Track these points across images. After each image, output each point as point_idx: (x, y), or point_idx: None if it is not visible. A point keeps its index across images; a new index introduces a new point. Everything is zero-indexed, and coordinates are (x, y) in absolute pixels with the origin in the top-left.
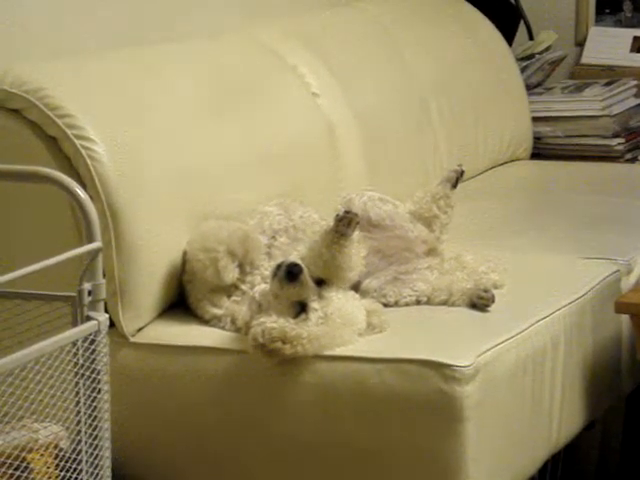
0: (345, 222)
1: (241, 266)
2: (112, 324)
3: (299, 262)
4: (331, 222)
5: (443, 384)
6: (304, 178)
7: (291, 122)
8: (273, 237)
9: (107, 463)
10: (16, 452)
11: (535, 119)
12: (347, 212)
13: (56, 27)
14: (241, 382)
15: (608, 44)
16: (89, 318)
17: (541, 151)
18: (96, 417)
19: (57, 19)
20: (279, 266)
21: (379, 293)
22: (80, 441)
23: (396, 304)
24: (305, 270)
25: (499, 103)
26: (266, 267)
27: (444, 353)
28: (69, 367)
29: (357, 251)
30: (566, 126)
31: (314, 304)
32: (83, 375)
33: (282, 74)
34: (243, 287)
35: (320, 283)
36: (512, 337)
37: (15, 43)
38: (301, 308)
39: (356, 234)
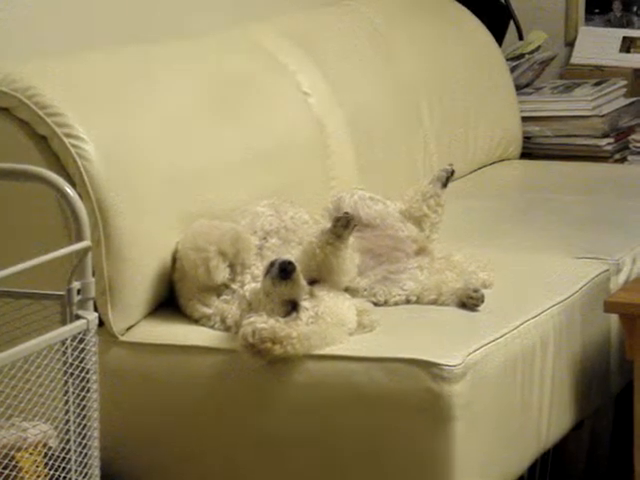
0: (342, 223)
1: (232, 266)
2: (101, 323)
3: (292, 260)
4: (328, 224)
5: (432, 383)
6: (295, 177)
7: (282, 121)
8: (264, 238)
9: (96, 462)
10: (5, 451)
11: (525, 119)
12: (346, 213)
13: (44, 25)
14: (230, 381)
15: (598, 44)
16: (78, 317)
17: (531, 151)
18: (85, 416)
19: (46, 17)
20: (272, 264)
21: (369, 292)
22: (69, 440)
23: (386, 303)
24: (298, 268)
25: (489, 103)
26: (257, 267)
27: (433, 352)
28: (58, 366)
29: (351, 256)
30: (556, 126)
31: (305, 303)
32: (72, 374)
33: (273, 73)
34: (233, 286)
35: (312, 282)
36: (501, 336)
37: (2, 42)
38: (292, 307)
39: (351, 239)
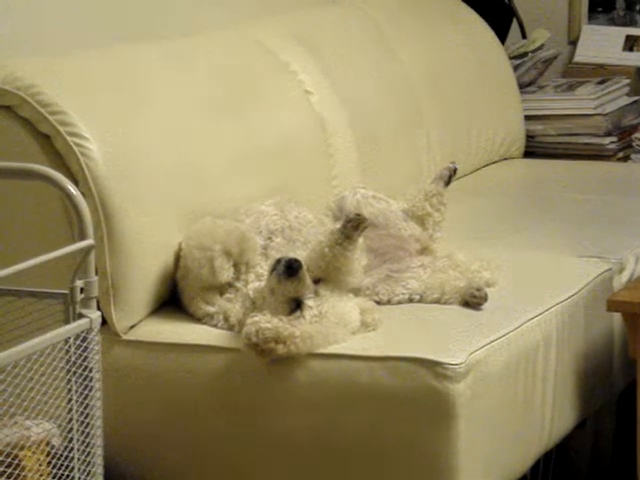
0: (353, 224)
1: (236, 265)
2: (104, 321)
3: (299, 258)
4: (337, 224)
5: (435, 382)
6: (297, 176)
7: (284, 120)
8: (269, 237)
9: (99, 460)
10: (8, 449)
11: (528, 117)
12: (357, 214)
13: (47, 23)
14: (233, 380)
15: (601, 43)
16: (81, 315)
17: (534, 149)
18: (88, 414)
19: (49, 15)
20: (278, 261)
21: (372, 291)
22: (72, 438)
23: (389, 302)
24: (304, 267)
25: (492, 101)
26: (262, 266)
27: (436, 351)
28: (61, 364)
29: (359, 257)
30: (559, 125)
31: (310, 302)
32: (75, 372)
33: (275, 72)
34: (237, 285)
35: (317, 281)
36: (504, 335)
37: (5, 40)
38: (296, 305)
39: (361, 240)
